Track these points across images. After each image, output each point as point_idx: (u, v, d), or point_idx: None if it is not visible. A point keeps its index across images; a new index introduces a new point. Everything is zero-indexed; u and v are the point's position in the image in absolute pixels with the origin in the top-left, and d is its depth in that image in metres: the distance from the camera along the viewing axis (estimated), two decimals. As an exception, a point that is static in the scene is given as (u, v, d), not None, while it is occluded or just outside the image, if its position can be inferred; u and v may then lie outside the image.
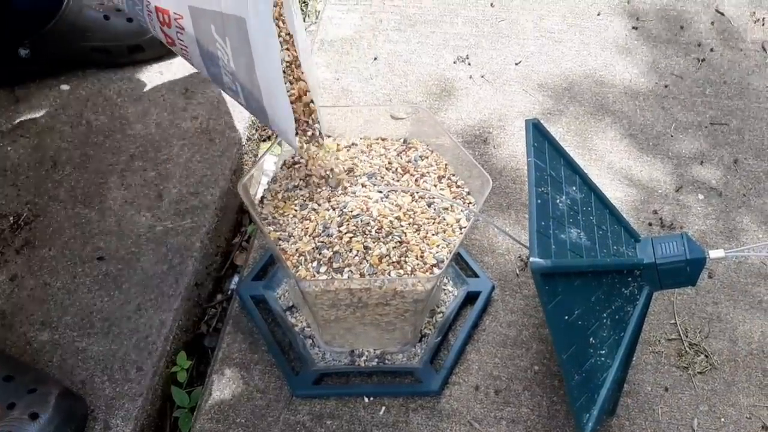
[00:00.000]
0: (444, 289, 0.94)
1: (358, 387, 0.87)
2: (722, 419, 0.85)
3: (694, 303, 0.95)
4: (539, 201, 0.67)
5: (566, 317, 0.66)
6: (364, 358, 0.88)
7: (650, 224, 1.02)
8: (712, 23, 1.32)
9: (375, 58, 1.24)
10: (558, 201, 0.70)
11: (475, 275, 0.95)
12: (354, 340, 0.87)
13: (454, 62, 1.24)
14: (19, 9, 1.09)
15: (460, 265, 0.97)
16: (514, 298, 0.95)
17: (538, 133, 0.73)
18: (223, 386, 0.87)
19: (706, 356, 0.90)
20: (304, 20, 1.40)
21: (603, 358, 0.70)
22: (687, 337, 0.92)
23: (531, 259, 0.63)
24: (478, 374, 0.88)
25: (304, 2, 1.42)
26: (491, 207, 1.04)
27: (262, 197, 0.81)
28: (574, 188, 0.73)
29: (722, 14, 1.33)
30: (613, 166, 1.09)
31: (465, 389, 0.87)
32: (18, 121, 1.12)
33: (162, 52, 1.19)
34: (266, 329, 0.90)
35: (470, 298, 0.94)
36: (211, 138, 1.12)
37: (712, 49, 1.27)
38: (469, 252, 0.98)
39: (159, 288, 0.96)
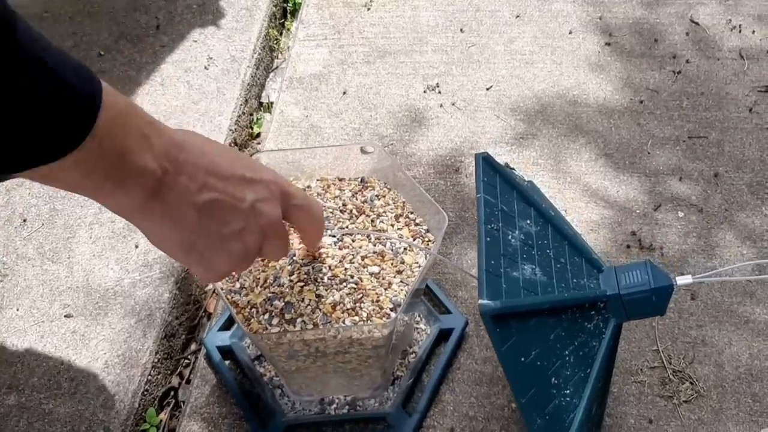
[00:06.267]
0: (417, 328, 0.92)
1: (329, 437, 0.84)
2: (710, 450, 0.82)
3: (677, 327, 0.92)
4: (488, 239, 0.65)
5: (522, 359, 0.63)
6: (334, 405, 0.85)
7: (628, 246, 0.99)
8: (687, 34, 1.29)
9: (344, 93, 1.23)
10: (510, 237, 0.67)
11: (448, 311, 0.93)
12: (322, 388, 0.84)
13: (425, 91, 1.22)
14: None
15: (433, 302, 0.94)
16: (490, 333, 0.92)
17: (488, 166, 0.70)
18: (192, 443, 0.85)
19: (692, 383, 0.87)
20: (276, 57, 1.40)
21: (568, 398, 0.67)
22: (671, 363, 0.88)
23: (479, 301, 0.61)
24: (453, 416, 0.85)
25: (276, 39, 1.41)
26: (464, 239, 1.01)
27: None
28: (528, 222, 0.70)
29: (697, 24, 1.31)
30: (589, 188, 1.06)
31: (440, 433, 0.84)
32: (-14, 180, 1.11)
33: None
34: (233, 381, 0.88)
35: (444, 335, 0.91)
36: (180, 185, 1.10)
37: (687, 61, 1.24)
38: (441, 287, 0.96)
39: (127, 343, 0.94)
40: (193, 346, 1.01)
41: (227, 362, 0.90)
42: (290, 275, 0.73)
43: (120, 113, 0.48)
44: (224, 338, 0.91)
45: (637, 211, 1.03)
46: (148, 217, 0.53)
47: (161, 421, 0.92)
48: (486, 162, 0.71)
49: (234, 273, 0.75)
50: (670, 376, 0.87)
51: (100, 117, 0.46)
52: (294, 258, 0.74)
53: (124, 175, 0.49)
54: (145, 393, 0.92)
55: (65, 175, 0.47)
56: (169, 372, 0.98)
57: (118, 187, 0.50)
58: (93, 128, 0.46)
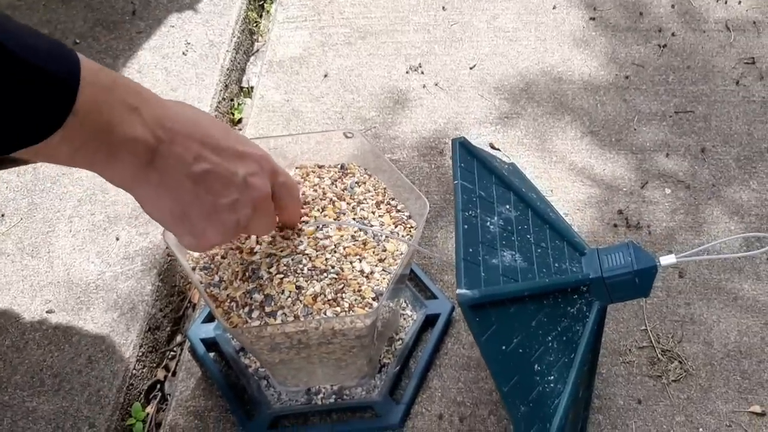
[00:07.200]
0: (403, 314, 0.91)
1: (316, 427, 0.83)
2: (700, 429, 0.81)
3: (665, 306, 0.91)
4: (466, 226, 0.63)
5: (503, 347, 0.62)
6: (321, 395, 0.84)
7: (615, 225, 0.98)
8: (673, 6, 1.27)
9: (325, 75, 1.20)
10: (488, 223, 0.66)
11: (434, 296, 0.92)
12: (308, 378, 0.83)
13: (407, 72, 1.20)
14: None
15: (419, 287, 0.93)
16: (476, 317, 0.91)
17: (465, 152, 0.69)
18: (178, 437, 0.84)
19: (680, 362, 0.86)
20: (256, 40, 1.37)
21: (552, 384, 0.66)
22: (659, 343, 0.87)
23: (457, 291, 0.59)
24: (441, 402, 0.84)
25: (255, 23, 1.38)
26: (449, 222, 1.00)
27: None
28: (507, 207, 0.68)
29: (683, -5, 1.28)
30: (575, 167, 1.05)
31: (428, 419, 0.83)
32: (-38, 175, 1.09)
33: None
34: (218, 374, 0.87)
35: (430, 321, 0.90)
36: (160, 175, 1.08)
37: (673, 34, 1.22)
38: (427, 272, 0.95)
39: (110, 337, 0.93)
40: (178, 338, 1.00)
41: (212, 354, 0.89)
42: (269, 267, 0.71)
43: (103, 88, 0.48)
44: (208, 330, 0.90)
45: (624, 189, 1.02)
46: (144, 185, 0.54)
47: (147, 414, 0.91)
48: (463, 147, 0.69)
49: (211, 265, 0.74)
50: (659, 356, 0.86)
51: (80, 95, 0.46)
52: (273, 250, 0.72)
53: (116, 145, 0.50)
54: (130, 387, 0.91)
55: (56, 151, 0.48)
56: (154, 365, 0.96)
57: (111, 157, 0.50)
58: (73, 107, 0.46)
